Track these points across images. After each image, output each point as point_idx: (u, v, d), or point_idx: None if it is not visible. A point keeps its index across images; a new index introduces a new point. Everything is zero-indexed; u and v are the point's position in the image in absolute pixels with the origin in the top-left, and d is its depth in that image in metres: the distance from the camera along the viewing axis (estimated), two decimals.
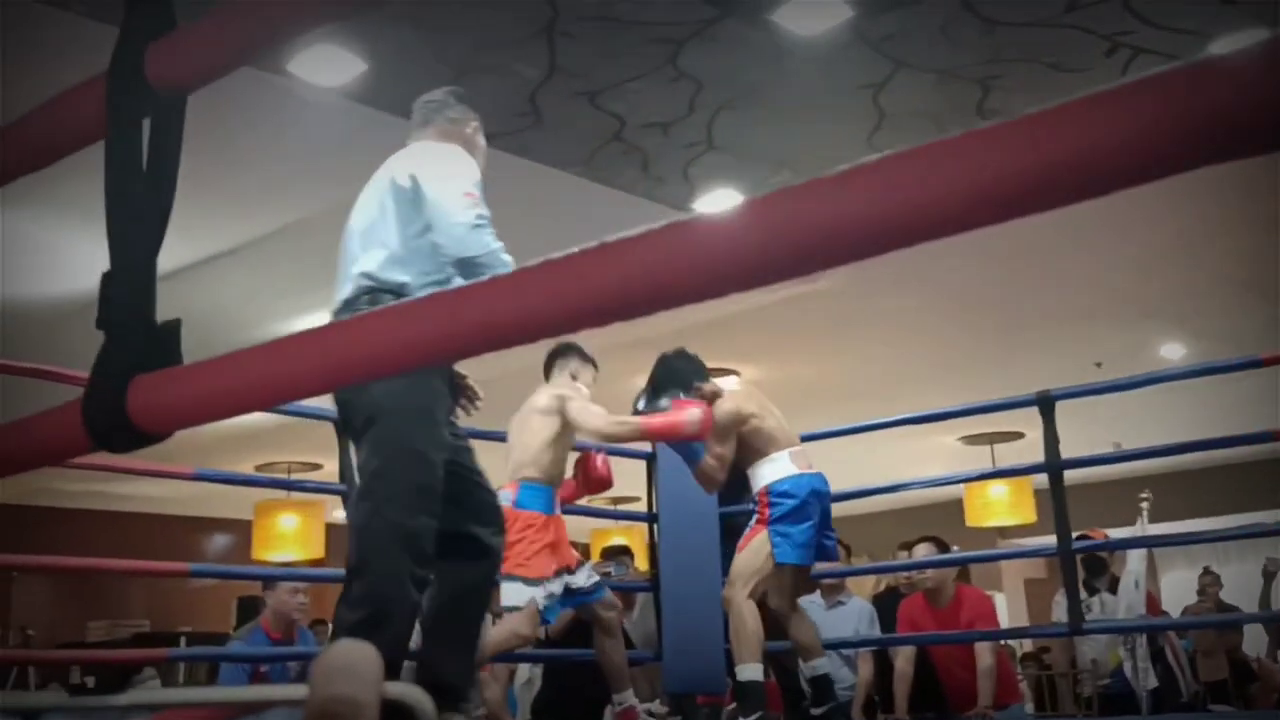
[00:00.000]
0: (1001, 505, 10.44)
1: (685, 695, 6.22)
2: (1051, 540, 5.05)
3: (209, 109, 4.55)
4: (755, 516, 4.51)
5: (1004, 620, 10.82)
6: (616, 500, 10.57)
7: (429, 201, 3.05)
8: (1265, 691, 7.72)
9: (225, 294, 6.20)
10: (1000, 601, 13.01)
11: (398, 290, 3.01)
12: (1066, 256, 6.65)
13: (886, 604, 7.13)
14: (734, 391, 4.65)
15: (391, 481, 2.87)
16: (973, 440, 10.94)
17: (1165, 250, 6.66)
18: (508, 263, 3.02)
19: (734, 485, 6.00)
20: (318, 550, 9.39)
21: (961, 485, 10.66)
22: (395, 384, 2.82)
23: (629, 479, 6.17)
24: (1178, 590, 10.49)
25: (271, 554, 9.26)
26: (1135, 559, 6.82)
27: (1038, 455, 5.05)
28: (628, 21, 4.15)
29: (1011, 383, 5.38)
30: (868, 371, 8.42)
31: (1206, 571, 8.47)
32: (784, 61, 4.46)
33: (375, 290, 3.02)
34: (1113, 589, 7.19)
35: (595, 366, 4.88)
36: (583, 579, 4.64)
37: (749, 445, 4.52)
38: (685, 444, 4.48)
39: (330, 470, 5.52)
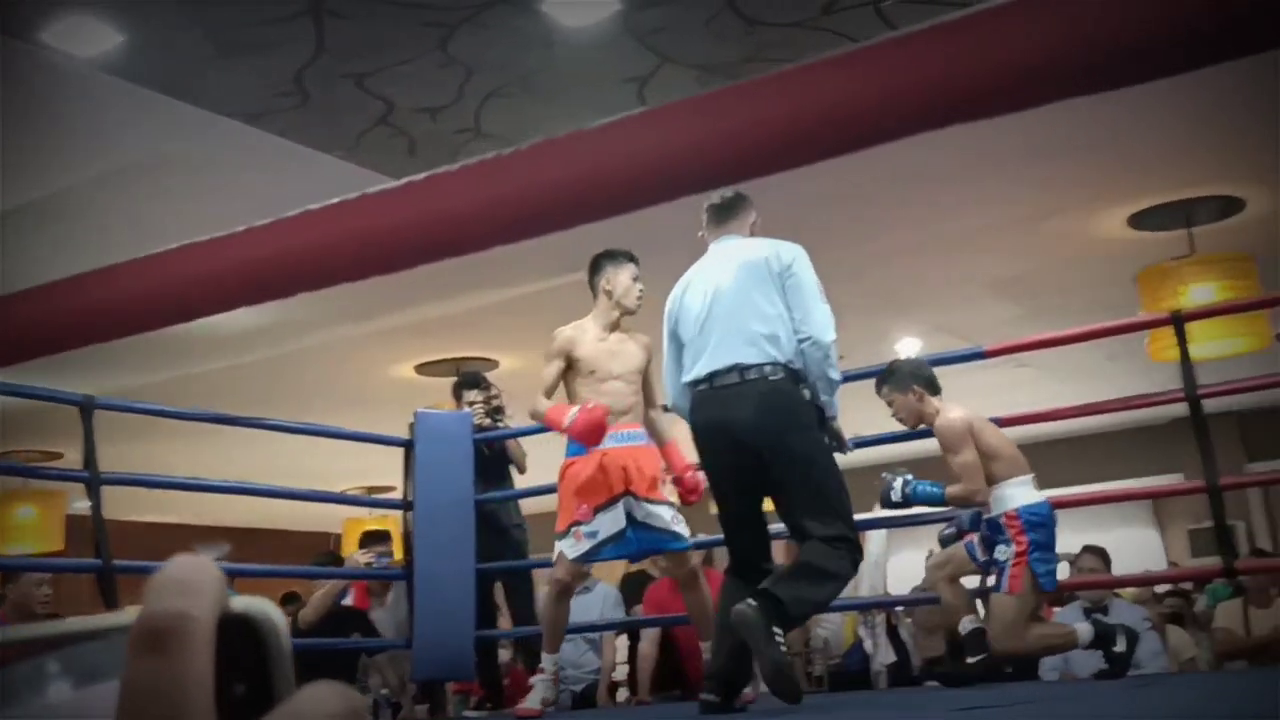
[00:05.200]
0: None
1: (434, 682, 6.23)
2: None
3: None
4: (1010, 547, 4.36)
5: None
6: (372, 489, 10.45)
7: (805, 290, 3.85)
8: None
9: None
10: None
11: (789, 365, 3.80)
12: (816, 253, 6.90)
13: (634, 587, 7.29)
14: (958, 407, 4.64)
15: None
16: None
17: (914, 249, 7.02)
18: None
19: (491, 473, 6.05)
20: (57, 542, 8.98)
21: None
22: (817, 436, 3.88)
23: (387, 466, 6.13)
24: (906, 572, 11.04)
25: (8, 546, 8.81)
26: (877, 540, 7.16)
27: None
28: (398, 4, 4.13)
29: None
30: None
31: (931, 554, 8.95)
32: (553, 51, 4.51)
33: (776, 364, 3.77)
34: None
35: (633, 261, 4.63)
36: (656, 517, 4.50)
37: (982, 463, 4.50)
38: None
39: (73, 459, 5.30)
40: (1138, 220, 6.82)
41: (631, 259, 4.58)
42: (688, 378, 3.95)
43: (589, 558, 4.49)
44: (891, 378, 4.69)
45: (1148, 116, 5.51)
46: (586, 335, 4.57)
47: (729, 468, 3.89)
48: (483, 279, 6.88)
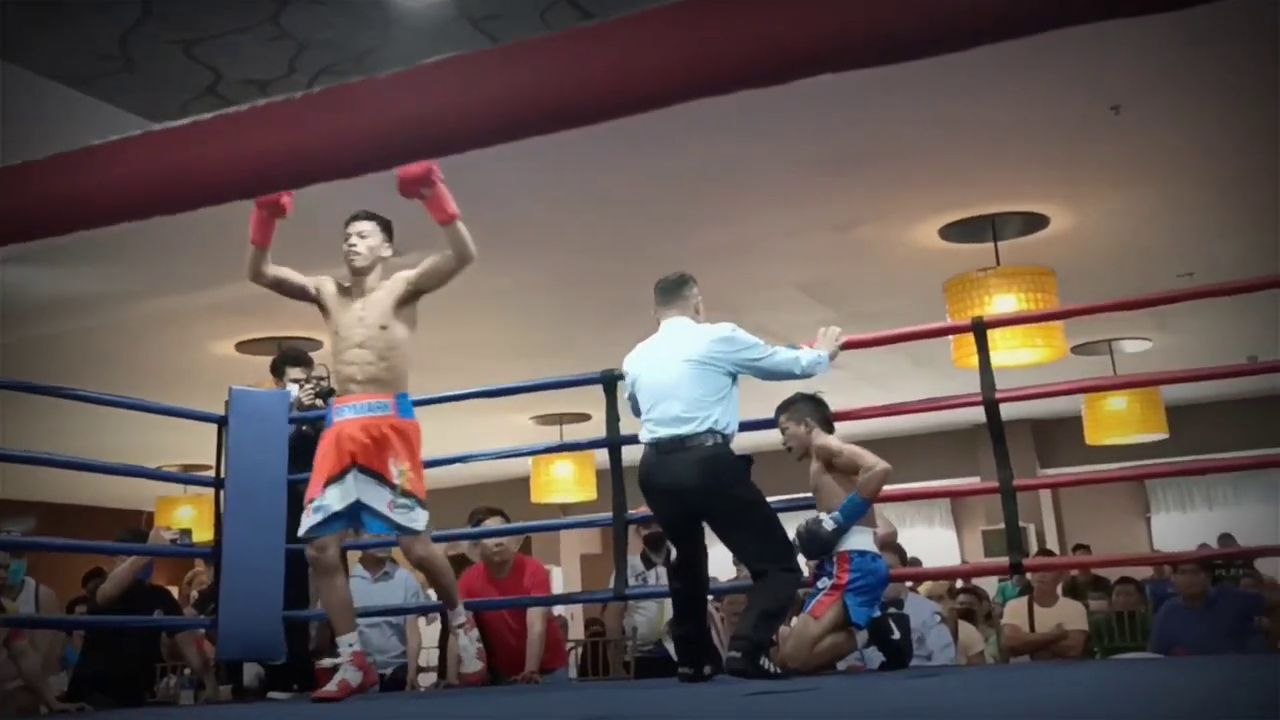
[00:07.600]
0: (566, 482, 10.86)
1: (240, 662, 6.14)
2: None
3: None
4: (830, 580, 4.62)
5: (559, 592, 11.27)
6: (189, 467, 10.22)
7: (753, 360, 4.68)
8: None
9: None
10: (557, 575, 13.52)
11: (724, 433, 4.47)
12: (648, 248, 6.98)
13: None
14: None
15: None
16: (544, 420, 11.28)
17: (726, 251, 7.17)
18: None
19: (312, 453, 5.97)
20: None
21: (529, 462, 11.03)
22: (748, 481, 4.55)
23: (206, 444, 5.98)
24: (723, 564, 11.28)
25: None
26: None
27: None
28: None
29: (594, 366, 5.63)
30: (451, 347, 8.53)
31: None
32: (388, 30, 4.49)
33: (712, 432, 4.44)
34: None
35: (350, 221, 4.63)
36: (374, 498, 4.33)
37: (837, 488, 4.69)
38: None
39: None
40: (948, 232, 7.11)
41: (351, 219, 4.56)
42: (643, 436, 4.57)
43: (318, 532, 4.32)
44: (791, 408, 4.89)
45: (957, 131, 5.75)
46: (330, 287, 4.59)
47: (674, 519, 4.61)
48: (309, 256, 6.80)
